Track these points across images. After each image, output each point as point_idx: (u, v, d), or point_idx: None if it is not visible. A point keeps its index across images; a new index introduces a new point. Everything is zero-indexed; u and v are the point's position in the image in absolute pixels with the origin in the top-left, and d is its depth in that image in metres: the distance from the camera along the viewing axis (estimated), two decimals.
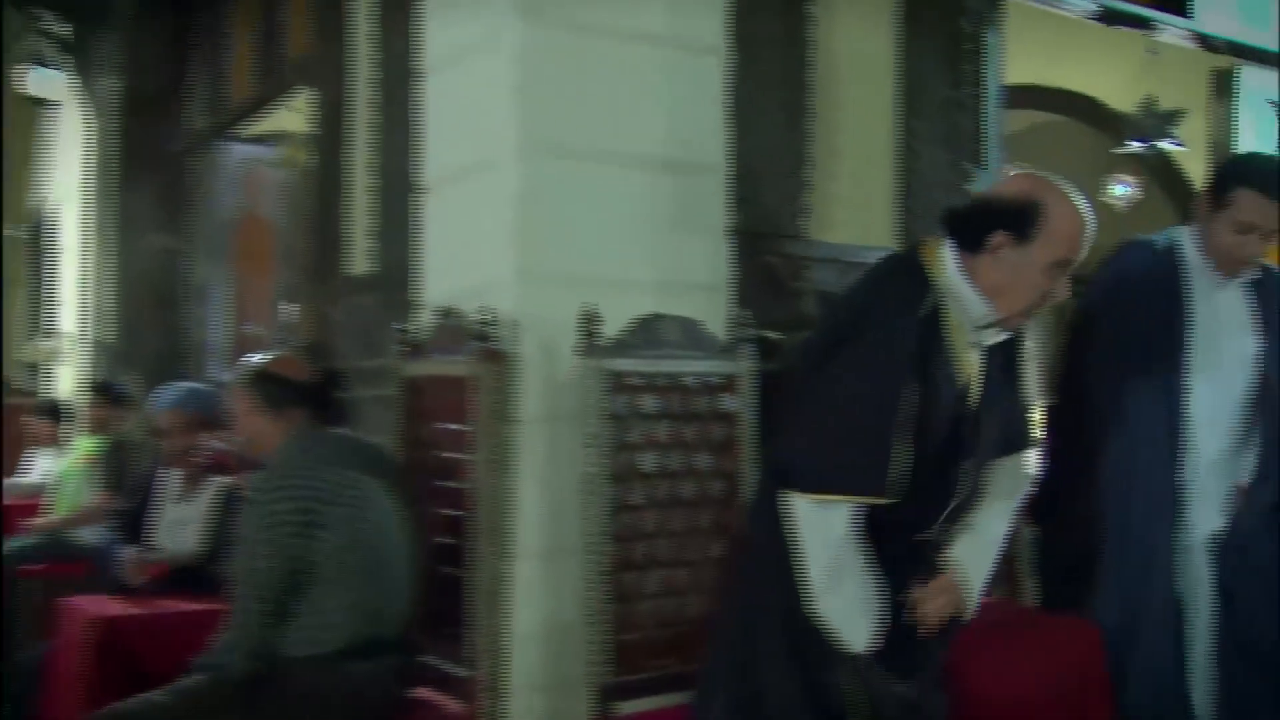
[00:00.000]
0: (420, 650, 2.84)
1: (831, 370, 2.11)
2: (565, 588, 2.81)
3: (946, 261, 2.15)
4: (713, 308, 3.13)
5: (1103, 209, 8.36)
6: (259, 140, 6.01)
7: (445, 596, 2.86)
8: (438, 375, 3.00)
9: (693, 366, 2.92)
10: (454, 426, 2.90)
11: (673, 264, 3.11)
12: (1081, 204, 2.12)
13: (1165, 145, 5.16)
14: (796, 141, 3.46)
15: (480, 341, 2.81)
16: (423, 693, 2.81)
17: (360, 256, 4.03)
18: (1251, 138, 4.42)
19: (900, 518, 2.11)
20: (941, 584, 2.18)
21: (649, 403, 2.85)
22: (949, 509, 2.19)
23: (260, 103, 5.36)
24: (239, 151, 6.05)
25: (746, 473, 2.95)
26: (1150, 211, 8.67)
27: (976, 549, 2.23)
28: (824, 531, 2.06)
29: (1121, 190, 7.77)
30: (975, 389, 2.17)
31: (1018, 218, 2.09)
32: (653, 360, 2.86)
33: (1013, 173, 2.19)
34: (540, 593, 2.85)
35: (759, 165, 3.35)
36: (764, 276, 3.38)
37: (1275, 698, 2.61)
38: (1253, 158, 2.85)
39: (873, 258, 3.54)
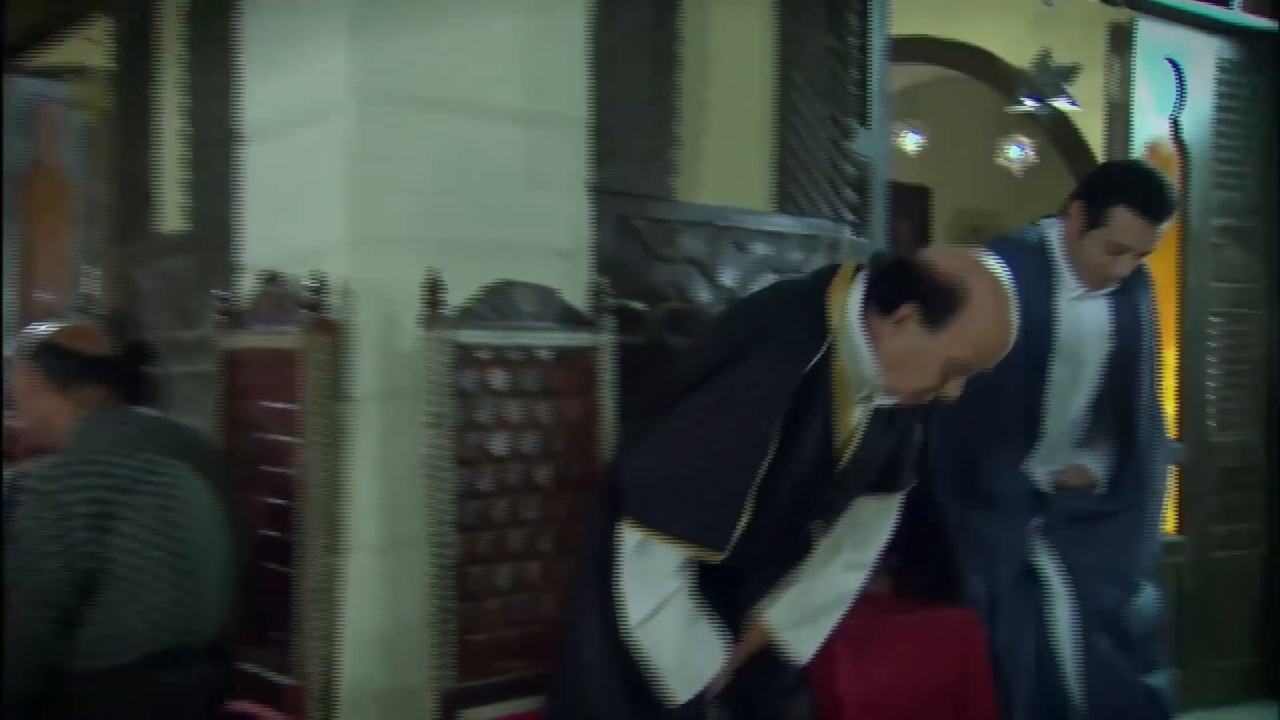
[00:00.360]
0: (239, 658, 2.80)
1: (702, 403, 2.11)
2: (405, 584, 2.81)
3: (851, 308, 2.13)
4: (571, 275, 3.15)
5: (998, 173, 8.67)
6: (49, 74, 5.74)
7: (269, 596, 2.83)
8: (262, 348, 2.96)
9: (548, 339, 2.94)
10: (280, 405, 2.87)
11: (527, 226, 3.12)
12: (1011, 312, 2.06)
13: (1061, 105, 5.36)
14: (664, 93, 3.49)
15: (310, 310, 2.78)
16: (242, 706, 2.78)
17: (171, 213, 3.92)
18: (1149, 96, 4.63)
19: (733, 573, 2.16)
20: (748, 644, 2.26)
21: (500, 378, 2.86)
22: (792, 565, 2.27)
23: (49, 30, 5.13)
24: (25, 87, 5.77)
25: (607, 456, 2.98)
26: (1047, 175, 9.03)
27: (801, 613, 2.30)
28: (650, 570, 2.09)
29: (1017, 152, 8.06)
30: (851, 449, 2.18)
31: (936, 299, 2.04)
32: (504, 332, 2.87)
33: (957, 248, 2.13)
34: (377, 590, 2.84)
35: (623, 118, 3.37)
36: (627, 241, 3.41)
37: (1133, 667, 2.80)
38: (1133, 171, 2.88)
39: (748, 221, 3.69)
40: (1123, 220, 2.75)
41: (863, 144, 4.05)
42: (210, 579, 2.63)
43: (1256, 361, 4.93)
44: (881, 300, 2.10)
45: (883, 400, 2.17)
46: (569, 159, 3.21)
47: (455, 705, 2.70)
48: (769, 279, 3.70)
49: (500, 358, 2.87)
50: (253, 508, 2.90)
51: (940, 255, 2.10)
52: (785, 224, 3.77)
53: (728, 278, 3.64)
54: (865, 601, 2.61)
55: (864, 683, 2.60)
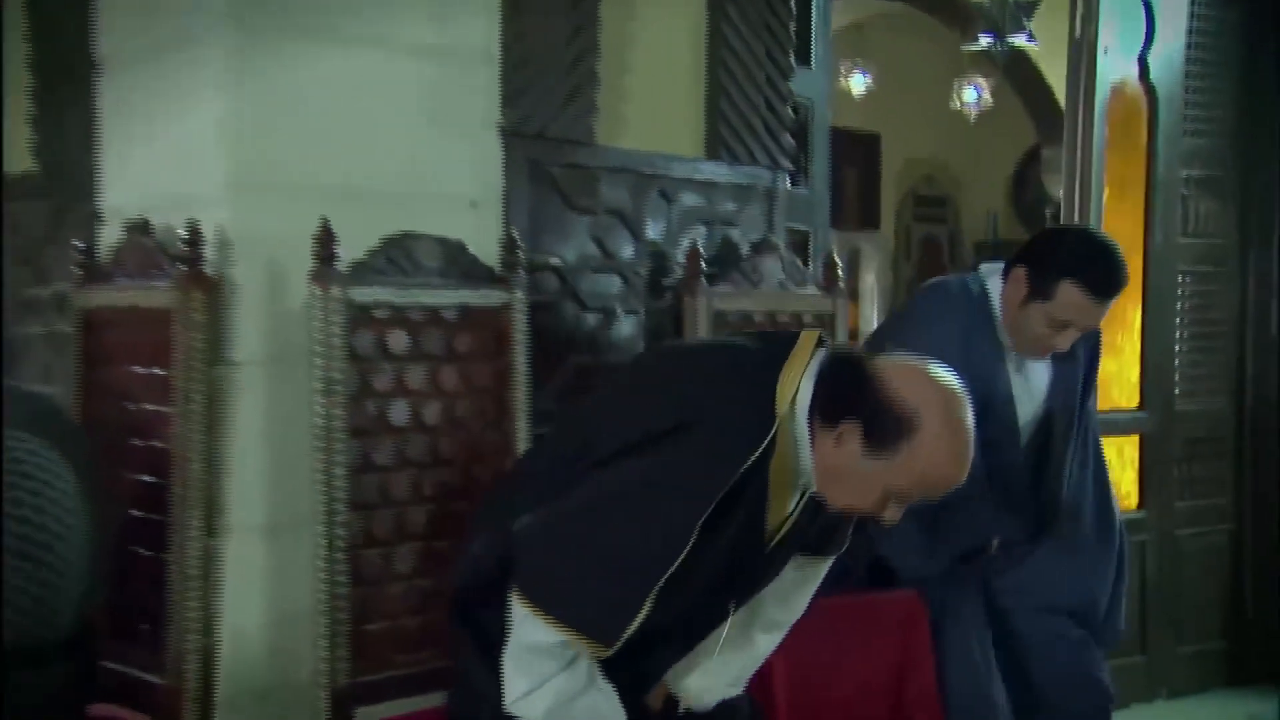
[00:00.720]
0: (102, 655, 2.75)
1: (623, 481, 2.07)
2: (293, 569, 2.80)
3: (801, 400, 2.09)
4: (479, 226, 3.14)
5: (952, 118, 8.77)
6: None
7: (138, 585, 2.81)
8: (128, 306, 2.92)
9: (454, 297, 2.94)
10: (150, 371, 2.84)
11: (430, 171, 3.10)
12: (965, 450, 2.03)
13: (1020, 42, 5.42)
14: (583, 26, 3.48)
15: (183, 264, 2.75)
16: (104, 709, 2.74)
17: (18, 152, 3.83)
18: (1115, 34, 4.69)
19: (644, 638, 2.13)
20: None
21: (399, 340, 2.86)
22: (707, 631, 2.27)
23: None
24: None
25: (519, 427, 2.99)
26: (1004, 120, 9.13)
27: (718, 682, 2.35)
28: (531, 646, 2.07)
29: (972, 95, 8.15)
30: (784, 531, 2.18)
31: (881, 423, 2.01)
32: (404, 289, 2.86)
33: (918, 366, 2.07)
34: (261, 577, 2.83)
35: (537, 53, 3.37)
36: (542, 189, 3.41)
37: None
38: (1085, 243, 2.90)
39: (676, 168, 3.70)
40: (1070, 296, 2.79)
41: (803, 84, 4.07)
42: (69, 567, 2.57)
43: (1226, 323, 5.04)
44: (824, 409, 2.06)
45: (814, 493, 2.17)
46: (477, 97, 3.19)
47: (350, 702, 2.69)
48: (699, 232, 3.73)
49: (400, 318, 2.86)
50: (119, 486, 2.85)
51: (897, 372, 2.05)
52: (717, 172, 3.79)
53: (653, 231, 3.66)
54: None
55: (798, 671, 2.64)
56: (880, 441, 2.00)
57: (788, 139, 3.98)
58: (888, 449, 2.00)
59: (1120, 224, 4.65)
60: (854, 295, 9.37)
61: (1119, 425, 4.70)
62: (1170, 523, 4.86)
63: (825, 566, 2.40)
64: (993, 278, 2.99)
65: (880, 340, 2.53)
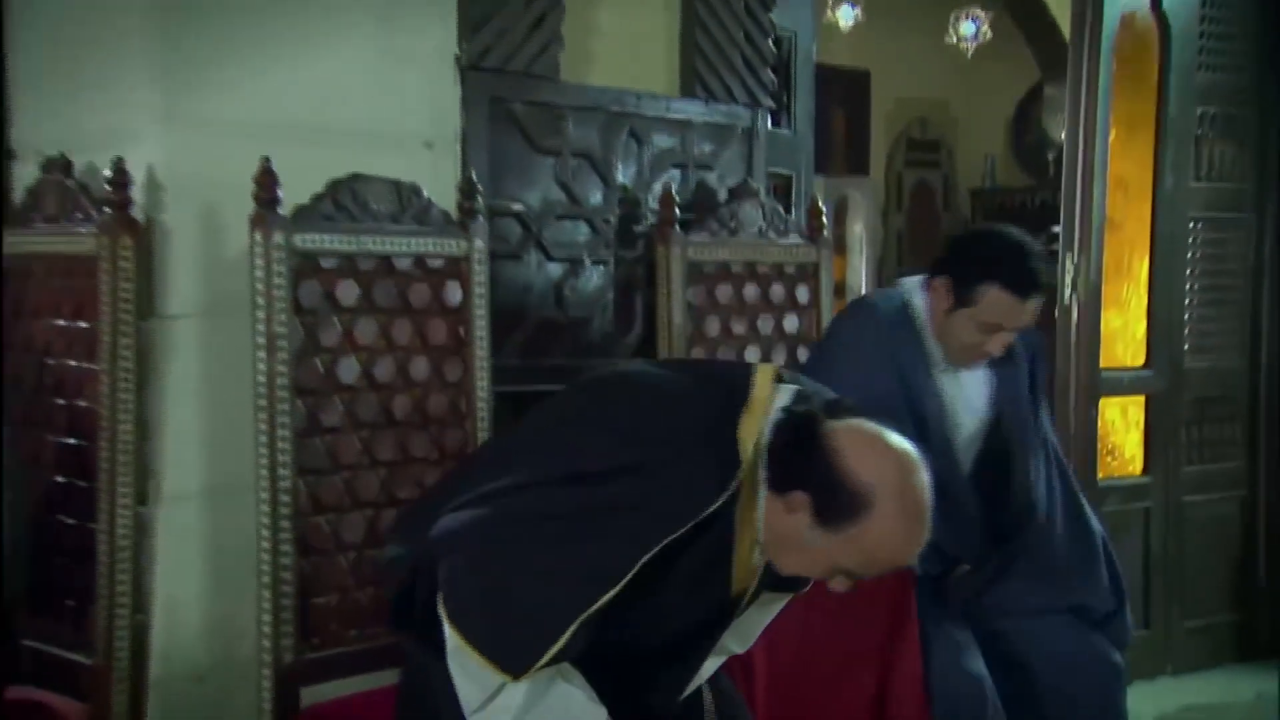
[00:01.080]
0: (22, 633, 2.77)
1: (561, 504, 2.06)
2: (232, 539, 2.78)
3: (762, 446, 2.07)
4: (435, 168, 3.13)
5: (948, 54, 8.75)
6: None
7: (61, 557, 2.79)
8: (47, 253, 2.89)
9: (408, 245, 2.92)
10: (73, 324, 2.82)
11: (382, 108, 3.08)
12: (920, 531, 2.05)
13: None
14: None
15: (109, 207, 2.72)
16: (24, 692, 2.74)
17: None
18: None
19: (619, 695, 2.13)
20: None
21: (349, 291, 2.84)
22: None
23: None
24: None
25: (479, 386, 2.99)
26: (1004, 56, 9.12)
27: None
28: (470, 664, 2.06)
29: (970, 29, 8.13)
30: (752, 586, 2.20)
31: (833, 499, 2.01)
32: (354, 236, 2.84)
33: (876, 437, 2.05)
34: (197, 547, 2.82)
35: None
36: (504, 129, 3.39)
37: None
38: (1000, 245, 2.98)
39: (648, 107, 3.68)
40: (994, 299, 2.88)
41: (785, 16, 4.05)
42: None
43: (1240, 274, 5.03)
44: (775, 476, 2.06)
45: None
46: (433, 28, 3.18)
47: (296, 681, 2.69)
48: (673, 175, 3.71)
49: (349, 267, 2.84)
50: (38, 449, 2.84)
51: (852, 442, 2.03)
52: (692, 111, 3.77)
53: (623, 174, 3.65)
54: None
55: (779, 654, 2.65)
56: (831, 518, 2.00)
57: (769, 75, 3.96)
58: (838, 526, 2.00)
59: (1128, 167, 4.64)
60: (840, 246, 9.34)
61: (1123, 385, 4.71)
62: (1178, 489, 4.88)
63: (784, 601, 2.41)
64: (916, 291, 3.06)
65: (813, 374, 2.62)
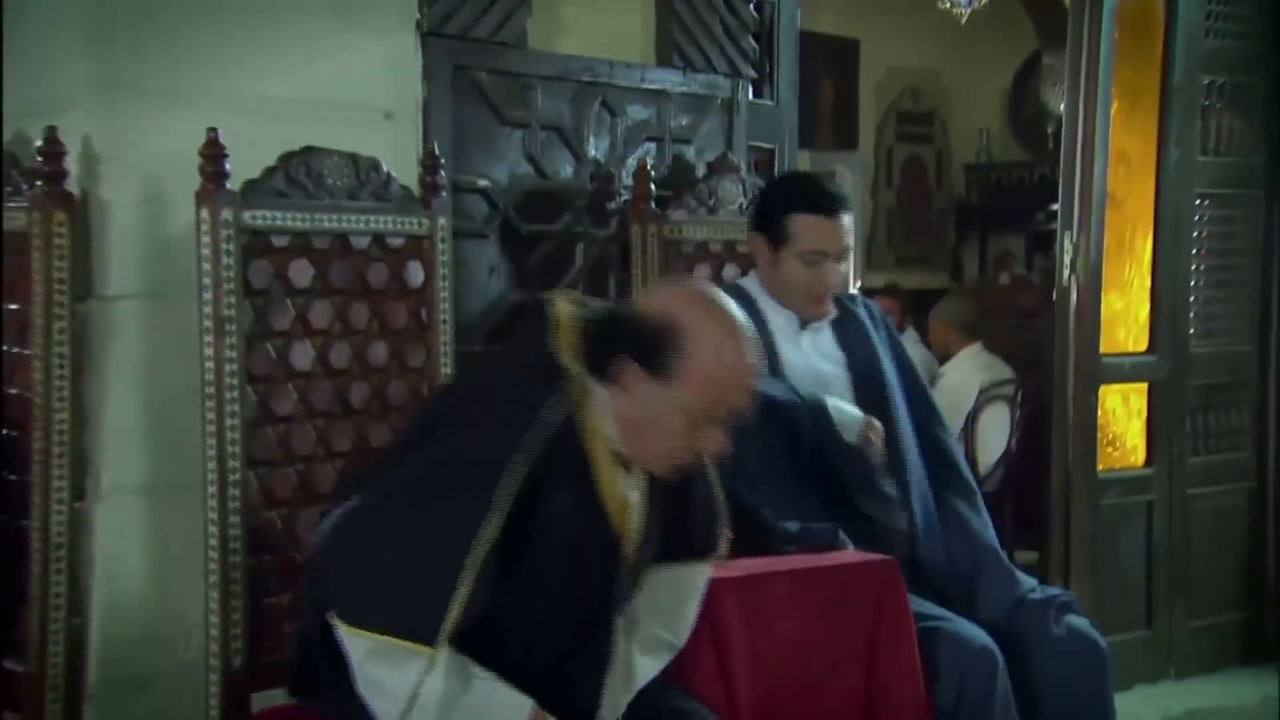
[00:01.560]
0: None
1: (409, 470, 2.18)
2: (178, 537, 2.78)
3: (582, 356, 2.20)
4: (395, 141, 3.13)
5: (941, 21, 8.75)
6: None
7: None
8: None
9: (366, 223, 2.92)
10: (3, 306, 2.80)
11: (337, 77, 3.08)
12: (740, 339, 2.17)
13: None
14: None
15: (41, 181, 2.70)
16: None
17: None
18: None
19: (536, 678, 2.19)
20: None
21: (302, 272, 2.83)
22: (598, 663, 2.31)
23: None
24: None
25: (441, 371, 2.98)
26: (999, 24, 9.15)
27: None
28: (380, 668, 2.11)
29: None
30: (633, 524, 2.27)
31: (650, 346, 2.14)
32: (308, 213, 2.83)
33: (661, 285, 2.29)
34: (139, 545, 2.82)
35: None
36: (468, 99, 3.39)
37: None
38: (788, 181, 3.30)
39: (621, 76, 3.67)
40: (805, 227, 3.10)
41: None
42: None
43: (1249, 254, 5.04)
44: (593, 361, 2.18)
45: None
46: None
47: (246, 687, 2.68)
48: (648, 149, 3.71)
49: (303, 246, 2.83)
50: None
51: (643, 297, 2.25)
52: (668, 80, 3.77)
53: (596, 148, 3.65)
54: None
55: (761, 646, 2.65)
56: (659, 364, 2.13)
57: (750, 43, 3.96)
58: (669, 369, 2.13)
59: (1131, 140, 4.65)
60: None
61: (1125, 371, 4.72)
62: (1182, 480, 4.89)
63: (703, 576, 2.47)
64: (748, 281, 3.25)
65: None
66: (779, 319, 3.17)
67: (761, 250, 3.18)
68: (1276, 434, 5.10)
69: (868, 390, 3.22)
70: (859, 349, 3.27)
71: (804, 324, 3.21)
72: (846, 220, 3.16)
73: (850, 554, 2.91)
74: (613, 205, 3.64)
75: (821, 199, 3.14)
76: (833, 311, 3.24)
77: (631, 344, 2.14)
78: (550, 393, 2.15)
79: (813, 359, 3.21)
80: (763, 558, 2.80)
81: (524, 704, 2.15)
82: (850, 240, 3.18)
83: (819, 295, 3.17)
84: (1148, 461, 4.83)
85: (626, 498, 2.26)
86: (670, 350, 2.12)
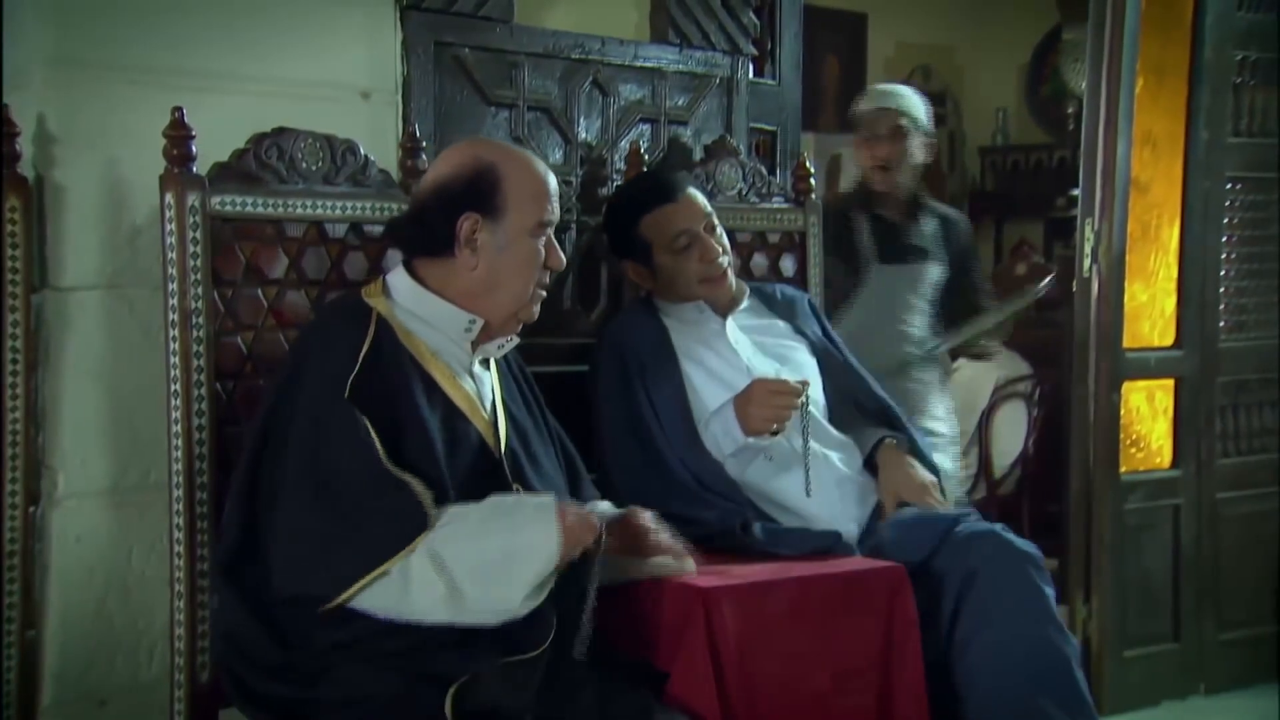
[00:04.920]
0: None
1: (277, 435, 2.42)
2: (141, 544, 2.80)
3: (396, 284, 2.61)
4: (374, 122, 3.15)
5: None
6: None
7: None
8: None
9: (343, 209, 2.92)
10: None
11: (312, 53, 3.09)
12: (529, 155, 2.64)
13: None
14: None
15: None
16: None
17: None
18: None
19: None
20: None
21: (275, 261, 2.83)
22: None
23: None
24: None
25: None
26: None
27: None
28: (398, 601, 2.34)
29: None
30: (502, 427, 2.63)
31: (478, 193, 2.54)
32: (280, 198, 2.84)
33: (446, 152, 2.66)
34: (99, 554, 2.82)
35: None
36: (451, 77, 3.38)
37: None
38: (621, 193, 3.47)
39: (614, 53, 3.66)
40: (651, 225, 3.28)
41: None
42: None
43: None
44: (428, 243, 2.58)
45: (498, 352, 2.68)
46: None
47: (213, 702, 2.67)
48: (642, 131, 3.71)
49: (275, 233, 2.84)
50: None
51: (434, 167, 2.64)
52: (664, 58, 3.76)
53: (586, 129, 3.64)
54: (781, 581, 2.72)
55: (765, 659, 2.65)
56: (490, 201, 2.54)
57: (751, 18, 3.95)
58: (500, 201, 2.54)
59: (1156, 121, 4.64)
60: None
61: (1150, 367, 4.72)
62: (1211, 484, 4.89)
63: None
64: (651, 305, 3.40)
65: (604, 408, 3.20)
66: (694, 321, 3.30)
67: (639, 272, 3.36)
68: None
69: (824, 354, 3.40)
70: (790, 320, 3.45)
71: (723, 314, 3.32)
72: (692, 194, 3.32)
73: (856, 560, 2.92)
74: (604, 190, 3.63)
75: (655, 190, 3.32)
76: (744, 290, 3.39)
77: (462, 200, 2.53)
78: (361, 325, 2.49)
79: (754, 342, 3.33)
80: (761, 564, 2.82)
81: (547, 502, 2.43)
82: (706, 209, 3.31)
83: (711, 276, 3.29)
84: (1174, 463, 4.82)
85: (473, 398, 2.59)
86: (493, 187, 2.54)
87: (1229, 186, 4.88)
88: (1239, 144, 4.89)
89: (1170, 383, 4.80)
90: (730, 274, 3.32)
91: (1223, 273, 4.87)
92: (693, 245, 3.25)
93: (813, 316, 3.52)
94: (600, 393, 3.20)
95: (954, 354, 4.62)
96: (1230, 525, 4.91)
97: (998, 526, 3.04)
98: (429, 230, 2.56)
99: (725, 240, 3.33)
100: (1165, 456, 4.81)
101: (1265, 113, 4.94)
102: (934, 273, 4.29)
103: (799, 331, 3.42)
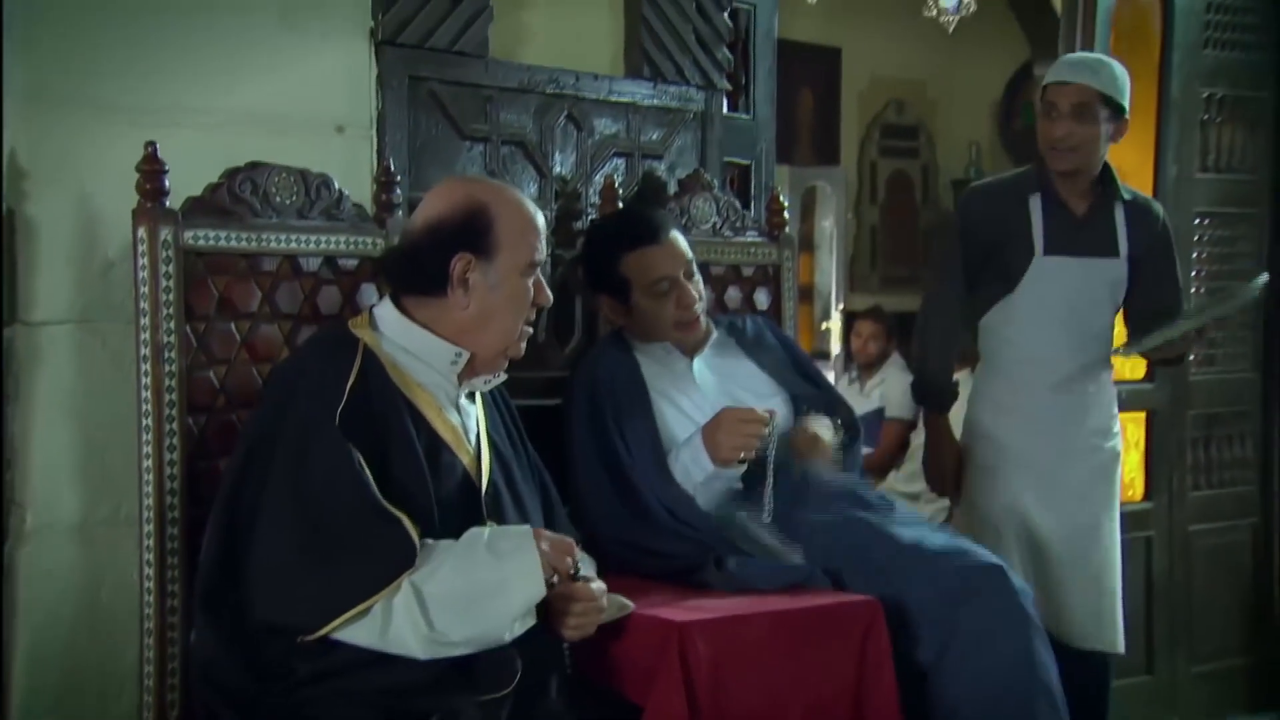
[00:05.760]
0: None
1: (267, 467, 2.40)
2: (110, 580, 2.79)
3: (383, 317, 2.60)
4: (347, 156, 3.14)
5: (926, 29, 8.79)
6: None
7: None
8: None
9: (317, 243, 2.92)
10: None
11: (286, 88, 3.08)
12: (520, 194, 2.66)
13: None
14: None
15: None
16: None
17: None
18: None
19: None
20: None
21: (248, 296, 2.83)
22: None
23: None
24: None
25: None
26: (988, 30, 9.19)
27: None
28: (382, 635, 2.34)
29: (951, 1, 8.18)
30: (486, 463, 2.63)
31: (471, 233, 2.55)
32: (254, 232, 2.83)
33: (432, 193, 2.63)
34: (68, 590, 2.80)
35: None
36: (426, 111, 3.38)
37: None
38: (607, 225, 3.44)
39: (588, 88, 3.66)
40: (633, 265, 3.26)
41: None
42: None
43: (1250, 276, 5.03)
44: (420, 282, 2.57)
45: (479, 385, 2.67)
46: None
47: None
48: (616, 165, 3.71)
49: (249, 268, 2.83)
50: None
51: (427, 201, 2.61)
52: (638, 92, 3.77)
53: (561, 164, 3.63)
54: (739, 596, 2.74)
55: (740, 692, 2.65)
56: (484, 241, 2.54)
57: (725, 53, 3.95)
58: (492, 241, 2.55)
59: (1126, 156, 4.65)
60: (807, 243, 9.34)
61: (1121, 400, 4.71)
62: (1182, 516, 4.90)
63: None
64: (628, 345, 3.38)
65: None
66: (661, 360, 3.31)
67: (614, 307, 3.35)
68: None
69: (788, 378, 3.40)
70: (762, 362, 3.42)
71: (690, 354, 3.33)
72: (675, 239, 3.30)
73: (830, 593, 2.91)
74: (579, 224, 3.63)
75: (640, 230, 3.29)
76: (712, 331, 3.37)
77: (454, 240, 2.53)
78: (348, 357, 2.49)
79: (719, 382, 3.32)
80: (734, 596, 2.82)
81: (524, 529, 2.47)
82: (688, 255, 3.30)
83: (685, 321, 3.30)
84: (1146, 495, 4.85)
85: (458, 430, 2.59)
86: (486, 227, 2.54)
87: (1197, 221, 4.92)
88: (1207, 179, 4.93)
89: (1142, 415, 4.82)
90: (702, 318, 3.33)
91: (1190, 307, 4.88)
92: (672, 291, 3.26)
93: (775, 341, 3.52)
94: (573, 426, 3.20)
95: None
96: (1202, 557, 4.93)
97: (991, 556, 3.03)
98: (421, 269, 2.56)
99: (701, 284, 3.33)
100: (1137, 489, 4.83)
101: (1232, 149, 4.99)
102: (1115, 269, 3.86)
103: (765, 368, 3.42)
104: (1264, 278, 3.89)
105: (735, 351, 3.43)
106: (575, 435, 3.18)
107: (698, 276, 3.32)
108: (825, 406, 3.36)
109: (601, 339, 3.47)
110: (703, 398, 3.25)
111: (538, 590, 2.38)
